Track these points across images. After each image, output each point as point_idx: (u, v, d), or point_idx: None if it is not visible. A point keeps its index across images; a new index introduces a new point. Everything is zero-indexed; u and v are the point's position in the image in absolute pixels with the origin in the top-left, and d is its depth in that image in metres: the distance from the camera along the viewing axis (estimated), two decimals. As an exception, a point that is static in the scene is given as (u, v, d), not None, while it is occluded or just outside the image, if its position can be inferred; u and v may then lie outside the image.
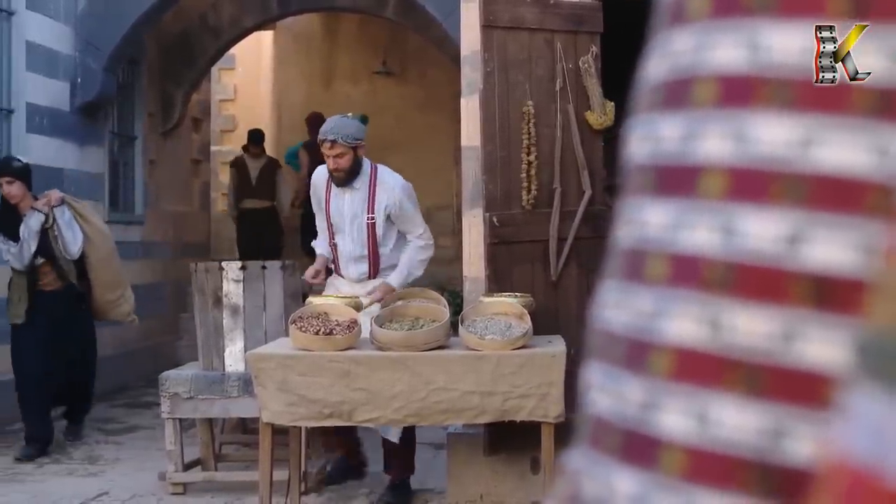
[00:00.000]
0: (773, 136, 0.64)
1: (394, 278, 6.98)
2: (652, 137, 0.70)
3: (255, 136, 15.45)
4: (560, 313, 6.77)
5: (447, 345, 6.11)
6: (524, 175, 6.74)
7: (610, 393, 0.69)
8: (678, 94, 0.69)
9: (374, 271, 7.12)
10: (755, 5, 0.66)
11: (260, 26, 15.54)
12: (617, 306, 0.70)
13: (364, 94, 17.38)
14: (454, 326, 6.25)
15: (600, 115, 6.87)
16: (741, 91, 0.66)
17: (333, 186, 7.09)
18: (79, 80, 11.50)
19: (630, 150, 0.73)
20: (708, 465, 0.63)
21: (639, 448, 0.66)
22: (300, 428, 6.39)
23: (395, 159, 17.27)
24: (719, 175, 0.66)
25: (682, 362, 0.65)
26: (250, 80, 18.98)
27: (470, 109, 7.05)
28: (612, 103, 6.91)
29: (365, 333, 6.17)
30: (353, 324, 6.16)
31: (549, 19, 6.85)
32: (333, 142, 6.90)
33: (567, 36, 6.88)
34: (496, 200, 6.73)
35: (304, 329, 6.06)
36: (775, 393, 0.62)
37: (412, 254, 7.12)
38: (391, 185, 7.08)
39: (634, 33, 7.30)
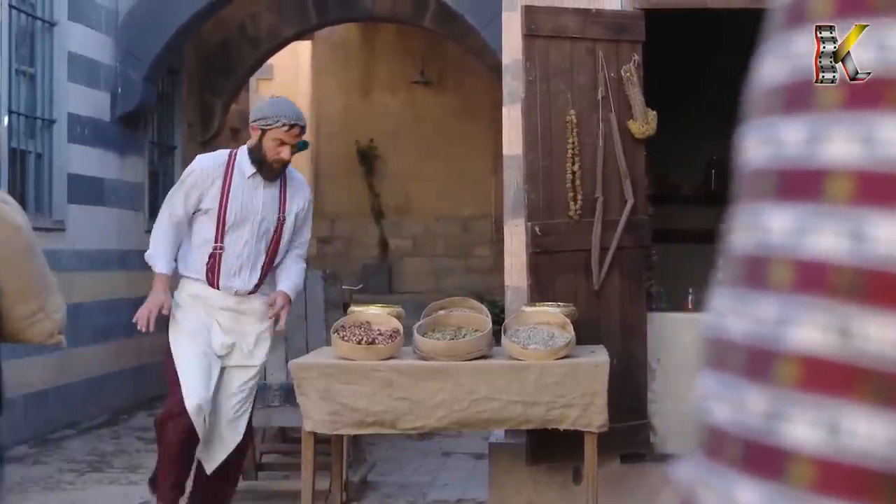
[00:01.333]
0: None
1: (289, 287, 6.09)
2: (772, 141, 0.68)
3: None
4: (602, 323, 6.75)
5: (489, 354, 6.10)
6: (569, 185, 6.71)
7: (729, 402, 0.67)
8: (801, 96, 0.67)
9: (259, 283, 6.03)
10: (882, 4, 0.64)
11: (298, 36, 15.58)
12: (735, 314, 0.68)
13: (402, 104, 17.42)
14: (496, 336, 6.23)
15: (642, 123, 6.84)
16: (869, 93, 0.64)
17: (239, 179, 5.94)
18: (119, 90, 11.56)
19: (746, 154, 0.71)
20: (839, 477, 0.61)
21: (763, 459, 0.64)
22: (342, 436, 6.38)
23: (432, 168, 17.36)
24: (846, 179, 0.64)
25: (810, 371, 0.63)
26: (288, 90, 18.97)
27: (512, 118, 7.03)
28: (655, 112, 6.89)
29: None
30: (396, 333, 6.15)
31: (591, 28, 6.83)
32: (303, 128, 6.01)
33: (609, 45, 6.86)
34: (538, 210, 6.71)
35: (346, 338, 6.06)
36: None
37: (297, 264, 6.23)
38: (302, 182, 6.33)
39: (677, 43, 7.26)
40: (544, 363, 5.89)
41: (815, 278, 0.64)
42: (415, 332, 6.09)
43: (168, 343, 5.95)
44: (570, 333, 6.04)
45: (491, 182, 16.78)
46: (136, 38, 11.64)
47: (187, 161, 13.59)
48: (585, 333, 6.37)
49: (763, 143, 0.69)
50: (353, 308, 6.61)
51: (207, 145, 14.32)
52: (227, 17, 13.93)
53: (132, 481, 8.11)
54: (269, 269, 6.07)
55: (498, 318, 6.85)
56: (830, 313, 0.63)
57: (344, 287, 8.31)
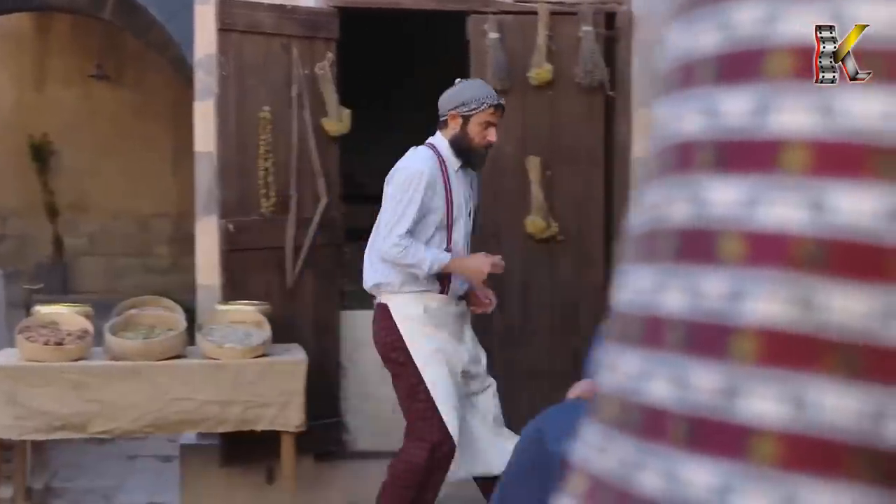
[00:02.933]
0: (866, 109, 0.62)
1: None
2: (707, 112, 0.66)
3: None
4: (296, 321, 6.71)
5: (184, 354, 5.97)
6: (261, 182, 6.64)
7: (667, 380, 0.65)
8: (742, 66, 0.66)
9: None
10: None
11: (-33, 24, 14.85)
12: (669, 289, 0.66)
13: (78, 99, 16.82)
14: (190, 335, 6.11)
15: (336, 121, 6.85)
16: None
17: (452, 175, 5.51)
18: None
19: (667, 127, 0.69)
20: (808, 452, 0.60)
21: (717, 437, 0.62)
22: (24, 442, 6.11)
23: (110, 166, 16.86)
24: (803, 149, 0.63)
25: (771, 345, 0.62)
26: (-46, 80, 18.12)
27: (204, 114, 6.90)
28: (349, 110, 6.91)
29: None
30: (85, 333, 5.94)
31: (286, 24, 6.78)
32: (504, 107, 5.59)
33: (303, 42, 6.83)
34: (231, 207, 6.61)
35: (32, 339, 5.81)
36: (877, 374, 0.60)
37: None
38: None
39: (371, 42, 7.31)
40: (241, 362, 5.83)
41: (771, 250, 0.63)
42: (106, 331, 5.89)
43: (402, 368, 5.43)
44: (267, 332, 5.99)
45: (171, 180, 16.48)
46: None
47: None
48: (279, 332, 6.32)
49: (693, 114, 0.67)
50: (38, 308, 6.34)
51: None
52: None
53: None
54: None
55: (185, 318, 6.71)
56: (791, 286, 0.62)
57: (24, 287, 7.98)
